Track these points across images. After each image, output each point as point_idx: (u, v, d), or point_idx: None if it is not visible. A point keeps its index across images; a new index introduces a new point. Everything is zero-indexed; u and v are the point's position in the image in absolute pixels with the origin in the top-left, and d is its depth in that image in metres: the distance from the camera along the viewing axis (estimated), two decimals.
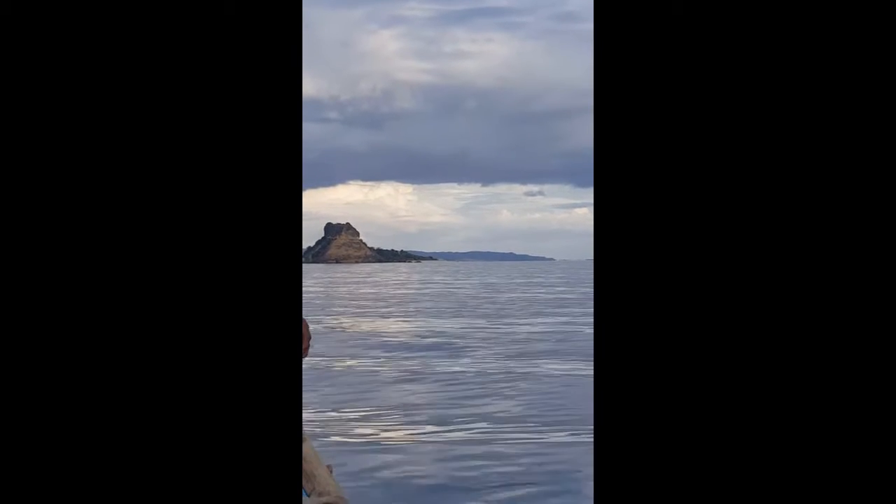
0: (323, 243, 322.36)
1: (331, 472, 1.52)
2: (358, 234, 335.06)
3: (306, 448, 1.52)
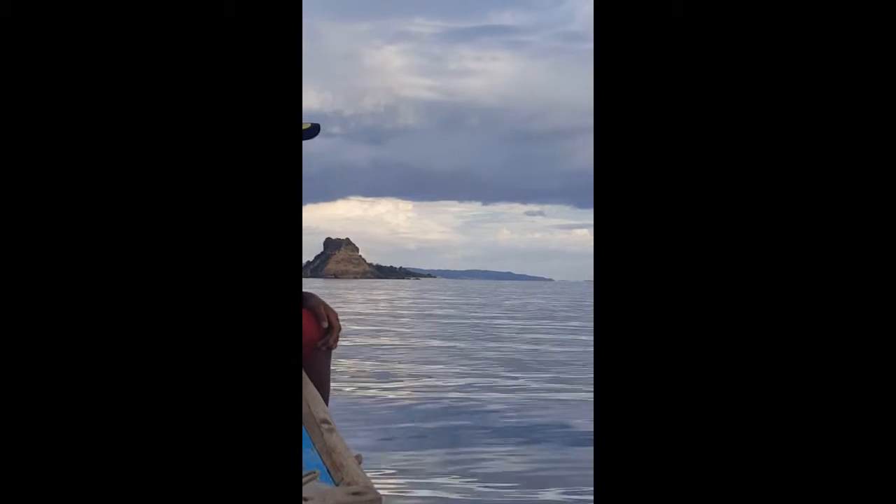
0: (322, 258, 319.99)
1: (360, 462, 1.51)
2: (357, 249, 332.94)
3: (335, 438, 1.53)
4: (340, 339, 2.08)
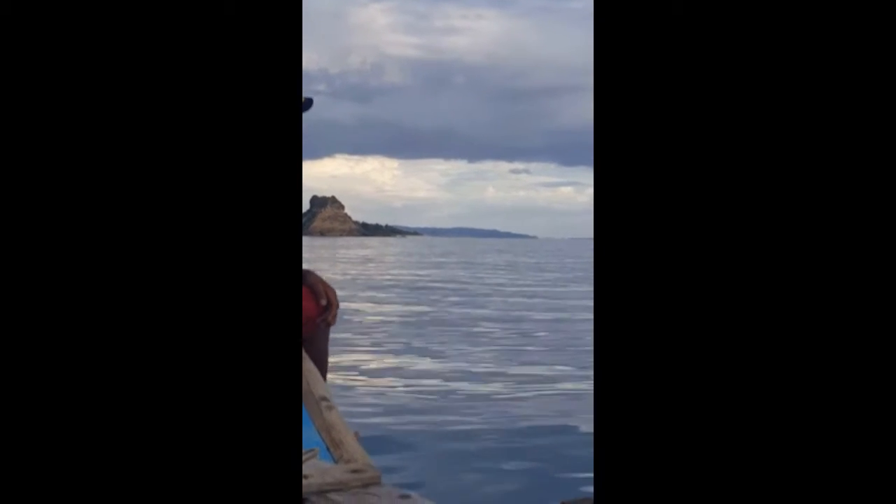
0: (308, 216, 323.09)
1: (358, 438, 1.50)
2: (343, 207, 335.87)
3: (334, 415, 1.53)
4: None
